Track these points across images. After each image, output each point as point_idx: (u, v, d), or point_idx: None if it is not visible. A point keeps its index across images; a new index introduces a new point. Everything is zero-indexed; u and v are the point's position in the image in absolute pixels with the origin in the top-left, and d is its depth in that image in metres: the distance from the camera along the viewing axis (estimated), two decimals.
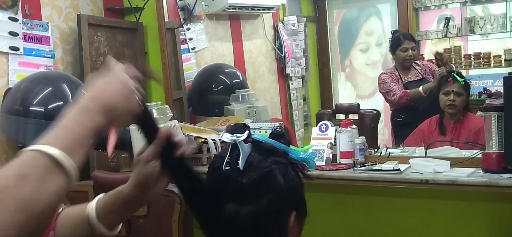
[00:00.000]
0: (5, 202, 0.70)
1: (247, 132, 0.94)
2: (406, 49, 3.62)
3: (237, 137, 0.93)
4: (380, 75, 3.70)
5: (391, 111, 3.79)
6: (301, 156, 0.97)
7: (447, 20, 4.48)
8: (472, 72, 4.48)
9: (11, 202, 0.70)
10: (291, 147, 0.97)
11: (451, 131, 3.05)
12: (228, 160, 0.93)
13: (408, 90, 3.54)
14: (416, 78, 3.63)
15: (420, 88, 3.45)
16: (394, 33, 3.87)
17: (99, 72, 0.94)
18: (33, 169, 0.75)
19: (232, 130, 0.96)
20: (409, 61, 3.64)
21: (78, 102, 0.87)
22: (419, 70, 3.68)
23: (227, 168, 0.93)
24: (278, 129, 1.00)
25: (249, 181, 0.91)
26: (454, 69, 3.63)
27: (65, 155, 0.79)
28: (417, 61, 3.77)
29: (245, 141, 0.93)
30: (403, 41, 3.65)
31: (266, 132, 2.90)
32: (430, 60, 4.01)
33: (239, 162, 0.92)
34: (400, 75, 3.64)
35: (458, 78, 3.03)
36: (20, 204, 0.71)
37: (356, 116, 3.89)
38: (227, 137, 0.94)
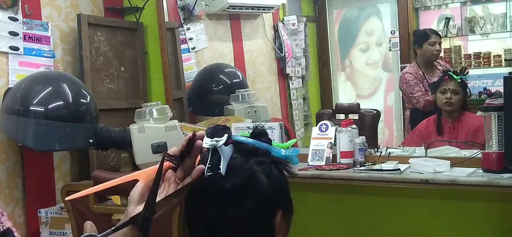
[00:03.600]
0: None
1: (226, 135, 0.92)
2: (434, 43, 3.62)
3: (216, 141, 0.92)
4: (404, 74, 3.69)
5: (409, 109, 3.77)
6: (283, 154, 0.96)
7: (447, 20, 4.48)
8: (472, 72, 4.46)
9: None
10: (274, 143, 0.96)
11: (449, 131, 3.05)
12: (209, 165, 0.92)
13: (431, 99, 3.48)
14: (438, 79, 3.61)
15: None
16: (416, 31, 3.94)
17: None
18: None
19: (212, 132, 0.94)
20: (436, 57, 3.65)
21: None
22: (441, 71, 3.65)
23: (209, 173, 0.92)
24: (259, 127, 0.98)
25: (232, 186, 0.91)
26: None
27: None
28: (439, 61, 3.78)
29: (225, 143, 0.92)
30: (431, 35, 3.66)
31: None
32: (446, 60, 4.13)
33: (221, 166, 0.90)
34: (424, 75, 3.62)
35: (454, 76, 3.04)
36: None
37: (356, 116, 3.89)
38: (206, 142, 0.92)
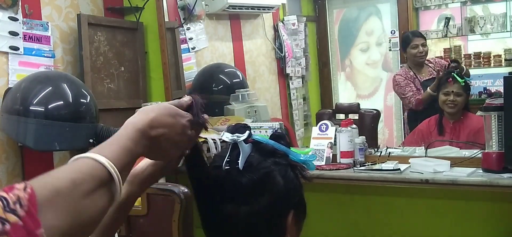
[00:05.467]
0: (55, 204, 0.68)
1: (247, 132, 0.95)
2: (417, 46, 3.64)
3: (237, 136, 0.94)
4: (394, 77, 3.73)
5: (407, 110, 3.81)
6: (301, 158, 0.97)
7: (447, 19, 4.48)
8: (472, 72, 4.46)
9: (61, 206, 0.68)
10: (292, 148, 0.98)
11: (450, 131, 3.05)
12: (228, 159, 0.93)
13: (421, 97, 3.52)
14: (431, 77, 3.61)
15: (428, 89, 3.43)
16: (403, 33, 3.95)
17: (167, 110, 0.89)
18: (88, 177, 0.73)
19: (233, 129, 0.96)
20: (421, 58, 3.65)
21: (139, 124, 0.83)
22: (433, 68, 3.67)
23: (227, 167, 0.93)
24: (279, 131, 1.00)
25: (248, 181, 0.92)
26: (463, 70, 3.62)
27: (119, 174, 0.76)
28: (430, 59, 3.80)
29: (245, 141, 0.94)
30: (412, 38, 3.68)
31: (266, 132, 2.90)
32: (440, 57, 4.09)
33: (239, 161, 0.92)
34: (415, 75, 3.64)
35: (458, 78, 3.04)
36: (68, 210, 0.69)
37: (356, 116, 3.89)
38: (227, 136, 0.95)
